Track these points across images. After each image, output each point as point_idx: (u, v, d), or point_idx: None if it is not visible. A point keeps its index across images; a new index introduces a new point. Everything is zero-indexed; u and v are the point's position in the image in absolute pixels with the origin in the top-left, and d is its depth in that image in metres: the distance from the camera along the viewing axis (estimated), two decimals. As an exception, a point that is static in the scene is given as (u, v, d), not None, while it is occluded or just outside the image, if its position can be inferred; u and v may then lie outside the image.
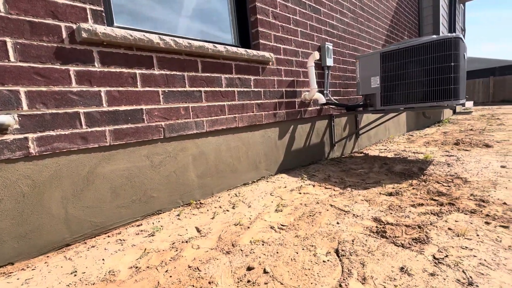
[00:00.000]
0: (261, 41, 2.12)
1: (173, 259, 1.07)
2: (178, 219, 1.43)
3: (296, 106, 2.52)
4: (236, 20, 2.13)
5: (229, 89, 1.90)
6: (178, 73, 1.60)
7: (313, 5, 2.67)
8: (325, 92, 2.88)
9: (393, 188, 1.79)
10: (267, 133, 2.25)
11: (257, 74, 2.11)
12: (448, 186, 1.79)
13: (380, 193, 1.68)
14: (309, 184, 1.96)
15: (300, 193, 1.76)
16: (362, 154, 3.19)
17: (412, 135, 4.74)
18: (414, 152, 3.10)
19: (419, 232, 1.15)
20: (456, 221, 1.25)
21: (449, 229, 1.18)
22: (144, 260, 1.07)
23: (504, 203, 1.44)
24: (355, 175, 2.18)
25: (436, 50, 2.18)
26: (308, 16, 2.61)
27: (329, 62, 2.84)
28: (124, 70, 1.38)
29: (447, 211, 1.36)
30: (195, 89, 1.69)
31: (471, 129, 5.00)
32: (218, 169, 1.87)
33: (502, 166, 2.26)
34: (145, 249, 1.15)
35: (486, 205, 1.43)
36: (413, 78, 2.32)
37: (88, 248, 1.20)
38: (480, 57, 21.51)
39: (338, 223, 1.29)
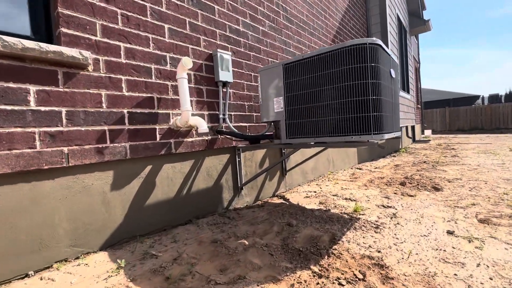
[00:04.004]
0: (63, 29, 1.28)
1: None
2: None
3: (158, 136, 1.66)
4: (34, -2, 1.29)
5: (-51, 105, 0.99)
6: None
7: (199, -2, 1.95)
8: (220, 116, 2.08)
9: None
10: (79, 182, 1.33)
11: (53, 83, 1.24)
12: (352, 295, 0.96)
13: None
14: (108, 289, 1.04)
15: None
16: (280, 201, 2.36)
17: (360, 168, 4.09)
18: (346, 199, 2.34)
19: None
20: None
21: None
22: None
23: None
24: (220, 257, 1.29)
25: (348, 60, 1.49)
26: (187, 11, 1.86)
27: (226, 76, 2.08)
28: None
29: None
30: None
31: (425, 161, 4.50)
32: None
33: (449, 232, 1.52)
34: None
35: None
36: (323, 100, 1.60)
37: None
38: (437, 89, 23.07)
39: None
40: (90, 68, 1.36)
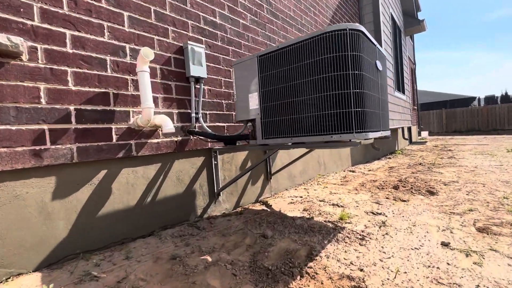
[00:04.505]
0: (-13, 11, 1.09)
1: None
2: None
3: (114, 136, 1.46)
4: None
5: None
6: None
7: (167, -14, 1.77)
8: (193, 115, 1.88)
9: None
10: (8, 191, 1.13)
11: (-28, 73, 1.05)
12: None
13: None
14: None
15: None
16: (261, 208, 2.17)
17: (353, 171, 3.91)
18: (333, 204, 2.14)
19: None
20: None
21: None
22: None
23: None
24: (174, 278, 1.09)
25: (327, 49, 1.31)
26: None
27: (199, 72, 1.89)
28: None
29: None
30: None
31: (421, 163, 4.32)
32: None
33: (444, 244, 1.33)
34: None
35: None
36: (301, 94, 1.42)
37: None
38: (433, 91, 23.03)
39: None
40: (24, 57, 1.17)
